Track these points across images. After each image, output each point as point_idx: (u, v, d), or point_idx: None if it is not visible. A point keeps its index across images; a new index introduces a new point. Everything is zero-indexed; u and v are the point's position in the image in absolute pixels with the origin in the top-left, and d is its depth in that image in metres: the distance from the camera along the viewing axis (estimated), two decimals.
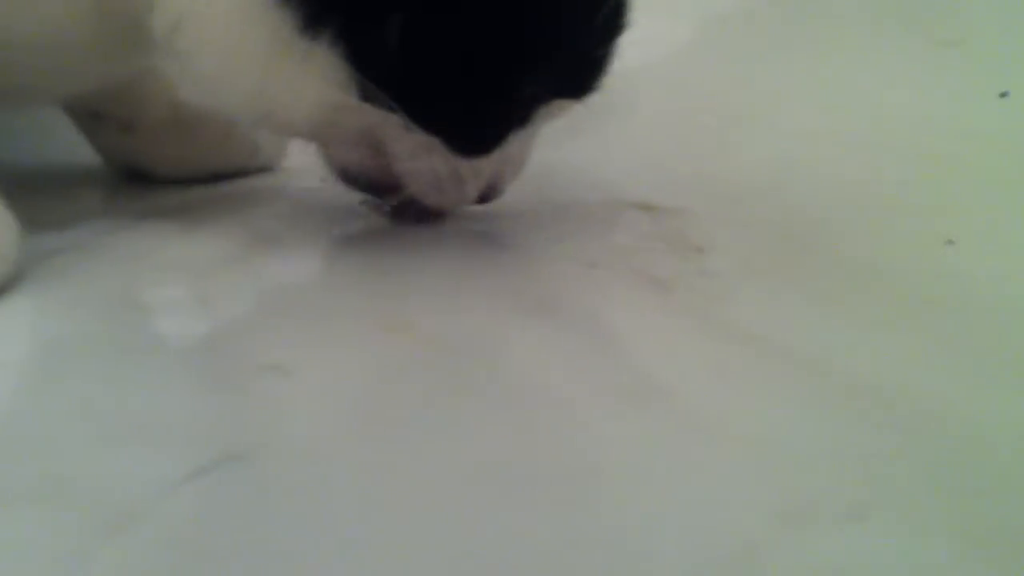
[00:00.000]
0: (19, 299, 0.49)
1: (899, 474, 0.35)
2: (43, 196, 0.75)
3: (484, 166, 0.60)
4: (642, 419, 0.39)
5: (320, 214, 0.71)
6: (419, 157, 0.58)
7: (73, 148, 0.84)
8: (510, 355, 0.46)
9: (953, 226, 0.67)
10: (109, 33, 0.58)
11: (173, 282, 0.54)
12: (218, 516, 0.31)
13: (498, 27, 0.52)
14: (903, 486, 0.35)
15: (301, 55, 0.53)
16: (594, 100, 0.61)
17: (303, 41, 0.52)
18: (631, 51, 0.58)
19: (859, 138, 0.90)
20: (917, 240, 0.67)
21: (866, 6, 1.06)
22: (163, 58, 0.59)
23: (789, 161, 0.89)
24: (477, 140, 0.57)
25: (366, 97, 0.53)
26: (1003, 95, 0.94)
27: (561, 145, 0.73)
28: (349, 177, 0.63)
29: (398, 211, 0.66)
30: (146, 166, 0.80)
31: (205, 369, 0.42)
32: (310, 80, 0.54)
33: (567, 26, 0.55)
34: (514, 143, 0.60)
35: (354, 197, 0.65)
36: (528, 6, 0.53)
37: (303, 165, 0.85)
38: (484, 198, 0.63)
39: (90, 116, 0.78)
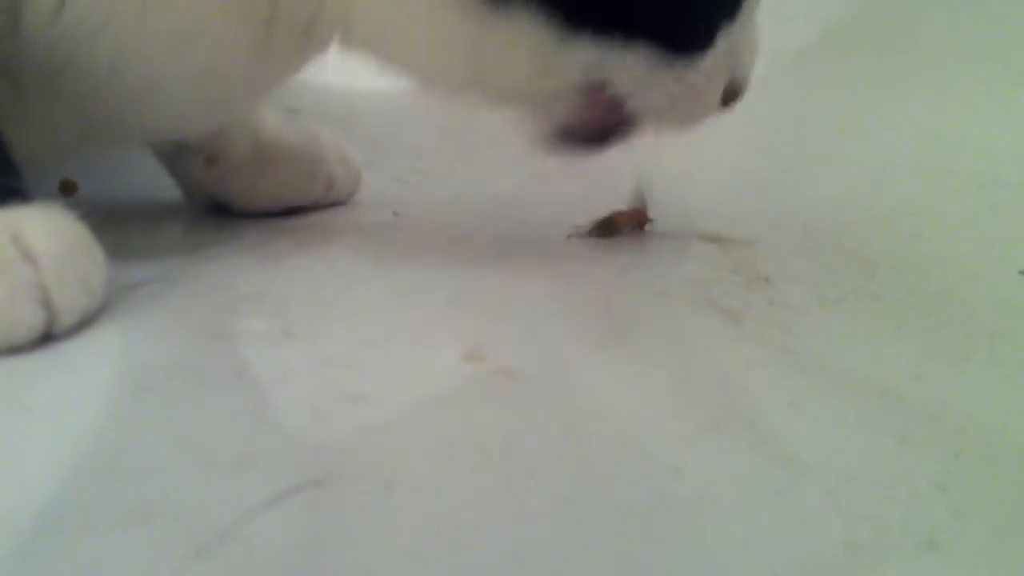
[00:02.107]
0: (105, 329, 0.51)
1: (974, 505, 0.35)
2: (126, 229, 0.77)
3: (714, 70, 0.60)
4: (715, 449, 0.39)
5: (394, 246, 0.72)
6: (649, 83, 0.58)
7: (154, 182, 0.86)
8: (583, 385, 0.46)
9: None
10: (265, 65, 0.60)
11: (256, 313, 0.55)
12: (298, 539, 0.32)
13: None
14: (978, 517, 0.34)
15: (500, 24, 0.54)
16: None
17: (497, 11, 0.53)
18: None
19: (932, 169, 0.89)
20: (990, 270, 0.66)
21: (939, 39, 1.06)
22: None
23: (860, 193, 0.88)
24: (692, 36, 0.57)
25: (576, 39, 0.54)
26: None
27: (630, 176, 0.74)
28: (570, 135, 0.63)
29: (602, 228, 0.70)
30: (227, 199, 0.82)
31: (287, 398, 0.43)
32: (517, 42, 0.55)
33: None
34: (737, 35, 0.59)
35: (426, 232, 0.66)
36: None
37: (377, 198, 0.87)
38: (729, 98, 0.63)
39: (176, 150, 0.80)
